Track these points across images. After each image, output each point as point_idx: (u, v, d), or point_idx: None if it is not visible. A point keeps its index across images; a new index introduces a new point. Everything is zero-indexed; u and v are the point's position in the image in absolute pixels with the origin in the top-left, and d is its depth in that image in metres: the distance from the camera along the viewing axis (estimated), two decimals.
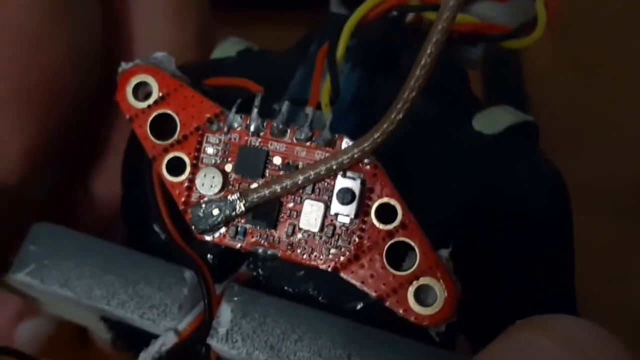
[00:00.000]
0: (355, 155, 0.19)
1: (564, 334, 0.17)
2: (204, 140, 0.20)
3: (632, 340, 0.34)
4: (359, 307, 0.20)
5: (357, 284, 0.19)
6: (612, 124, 0.38)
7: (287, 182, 0.19)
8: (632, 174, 0.37)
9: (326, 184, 0.19)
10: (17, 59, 0.21)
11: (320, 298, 0.20)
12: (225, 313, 0.19)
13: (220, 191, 0.20)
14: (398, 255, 0.19)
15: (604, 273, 0.34)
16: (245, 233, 0.20)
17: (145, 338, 0.21)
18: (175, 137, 0.20)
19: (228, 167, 0.20)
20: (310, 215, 0.19)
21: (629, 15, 0.41)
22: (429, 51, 0.18)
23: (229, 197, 0.19)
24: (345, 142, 0.19)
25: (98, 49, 0.23)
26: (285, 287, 0.20)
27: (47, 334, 0.25)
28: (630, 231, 0.36)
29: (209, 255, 0.20)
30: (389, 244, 0.19)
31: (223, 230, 0.20)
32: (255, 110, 0.20)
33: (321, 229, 0.19)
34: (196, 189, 0.20)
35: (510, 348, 0.17)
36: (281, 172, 0.19)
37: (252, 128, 0.20)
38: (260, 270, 0.20)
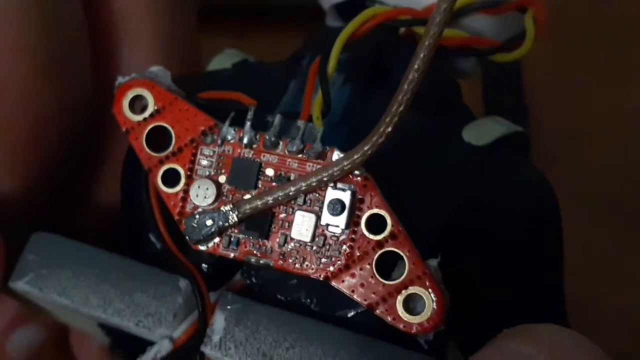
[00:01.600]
0: (346, 167, 0.19)
1: (549, 342, 0.18)
2: (198, 152, 0.20)
3: (630, 346, 0.35)
4: (350, 315, 0.20)
5: (348, 292, 0.19)
6: (612, 132, 0.38)
7: (279, 194, 0.19)
8: (633, 180, 0.37)
9: (317, 195, 0.20)
10: (3, 112, 0.22)
11: (312, 306, 0.20)
12: (218, 321, 0.20)
13: (213, 202, 0.20)
14: (388, 265, 0.19)
15: (603, 278, 0.35)
16: (238, 243, 0.20)
17: (142, 344, 0.21)
18: (171, 149, 0.21)
19: (222, 179, 0.20)
20: (302, 225, 0.20)
21: (627, 23, 0.41)
22: (416, 66, 0.18)
23: (222, 208, 0.20)
24: (336, 154, 0.20)
25: (87, 93, 0.24)
26: (278, 296, 0.21)
27: (40, 343, 0.25)
28: (630, 237, 0.36)
29: (203, 265, 0.21)
30: (378, 253, 0.19)
31: (217, 240, 0.20)
32: (248, 123, 0.20)
33: (312, 239, 0.20)
34: (190, 200, 0.20)
35: (496, 357, 0.18)
36: (273, 184, 0.20)
37: (245, 140, 0.20)
38: (253, 279, 0.21)
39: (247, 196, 0.20)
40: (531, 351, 0.17)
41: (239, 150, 0.20)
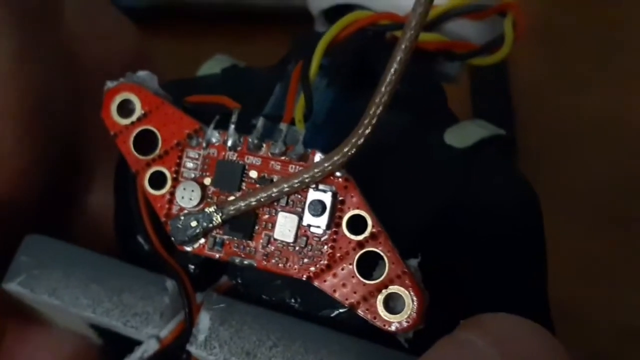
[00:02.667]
0: (327, 169, 0.19)
1: (498, 332, 0.18)
2: (184, 155, 0.21)
3: (615, 346, 0.35)
4: (332, 314, 0.21)
5: (330, 292, 0.20)
6: (600, 134, 0.39)
7: (262, 195, 0.20)
8: (619, 182, 0.38)
9: (299, 196, 0.20)
10: None
11: (296, 306, 0.21)
12: (204, 321, 0.20)
13: (198, 204, 0.20)
14: (368, 265, 0.20)
15: (587, 279, 0.35)
16: (223, 244, 0.20)
17: (133, 345, 0.21)
18: (157, 152, 0.21)
19: (207, 181, 0.21)
20: (284, 226, 0.20)
21: (617, 27, 0.42)
22: (392, 69, 0.18)
23: (206, 209, 0.20)
24: (318, 157, 0.20)
25: (70, 140, 0.24)
26: (263, 296, 0.21)
27: None
28: (615, 238, 0.37)
29: (190, 266, 0.21)
30: (359, 253, 0.19)
31: (202, 241, 0.20)
32: (232, 127, 0.20)
33: (295, 240, 0.20)
34: (176, 201, 0.21)
35: (448, 347, 0.18)
36: (257, 185, 0.20)
37: (229, 143, 0.20)
38: (239, 279, 0.21)
39: (231, 198, 0.20)
40: (474, 338, 0.18)
41: (223, 153, 0.21)
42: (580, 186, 0.37)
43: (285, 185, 0.20)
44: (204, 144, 0.21)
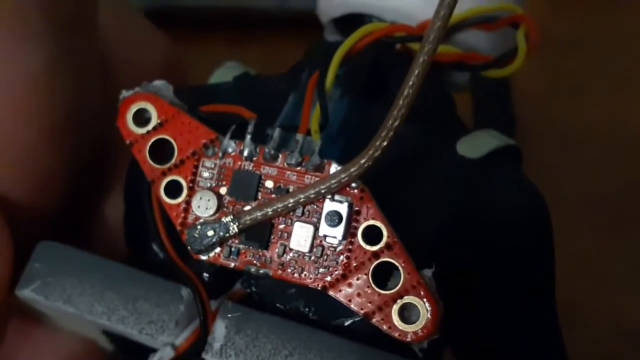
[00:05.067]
0: (343, 180, 0.20)
1: None
2: (200, 165, 0.21)
3: (616, 347, 0.35)
4: (347, 323, 0.21)
5: (345, 301, 0.20)
6: (599, 141, 0.39)
7: (278, 205, 0.20)
8: (618, 185, 0.38)
9: (315, 206, 0.20)
10: (3, 169, 0.22)
11: (310, 315, 0.21)
12: (219, 329, 0.20)
13: (215, 213, 0.21)
14: (383, 275, 0.20)
15: (589, 281, 0.35)
16: (238, 253, 0.21)
17: (145, 351, 0.22)
18: (173, 161, 0.21)
19: (223, 190, 0.21)
20: (300, 236, 0.20)
21: (617, 33, 0.42)
22: (411, 82, 0.19)
23: (223, 219, 0.20)
24: (334, 167, 0.20)
25: (96, 143, 0.24)
26: (277, 304, 0.21)
27: None
28: (615, 240, 0.37)
29: (204, 274, 0.21)
30: (374, 264, 0.20)
31: (218, 250, 0.21)
32: (248, 137, 0.21)
33: (310, 250, 0.20)
34: (192, 211, 0.21)
35: None
36: (273, 195, 0.20)
37: (245, 153, 0.21)
38: (253, 287, 0.21)
39: (247, 207, 0.20)
40: None
41: (239, 163, 0.21)
42: (581, 191, 0.38)
43: (302, 196, 0.20)
44: (220, 154, 0.21)
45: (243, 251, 0.21)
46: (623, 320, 0.36)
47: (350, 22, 0.25)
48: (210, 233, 0.20)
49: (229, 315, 0.20)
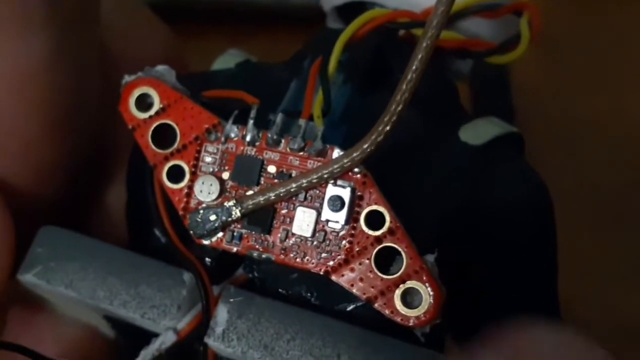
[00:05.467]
0: (346, 165, 0.20)
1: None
2: (203, 150, 0.21)
3: (615, 344, 0.35)
4: (349, 308, 0.21)
5: (347, 286, 0.20)
6: (598, 133, 0.39)
7: (281, 190, 0.20)
8: (618, 181, 0.38)
9: (318, 191, 0.20)
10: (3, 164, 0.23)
11: (312, 299, 0.21)
12: (221, 313, 0.20)
13: (217, 198, 0.21)
14: (386, 260, 0.20)
15: (588, 278, 0.35)
16: (241, 238, 0.21)
17: (146, 336, 0.22)
18: (175, 146, 0.21)
19: (225, 175, 0.21)
20: (303, 221, 0.20)
21: (615, 28, 0.42)
22: (414, 67, 0.19)
23: (225, 203, 0.20)
24: (336, 152, 0.20)
25: (96, 136, 0.24)
26: (280, 289, 0.21)
27: None
28: (614, 236, 0.37)
29: (207, 259, 0.21)
30: (377, 249, 0.20)
31: (220, 234, 0.21)
32: (250, 122, 0.21)
33: (313, 235, 0.20)
34: (195, 195, 0.21)
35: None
36: (275, 180, 0.20)
37: (248, 138, 0.21)
38: (255, 272, 0.21)
39: (250, 192, 0.21)
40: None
41: (242, 148, 0.21)
42: (581, 187, 0.38)
43: (304, 181, 0.20)
44: (222, 139, 0.21)
45: (245, 236, 0.21)
46: (623, 320, 0.36)
47: (352, 9, 0.25)
48: (213, 218, 0.20)
49: (231, 300, 0.20)
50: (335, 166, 0.20)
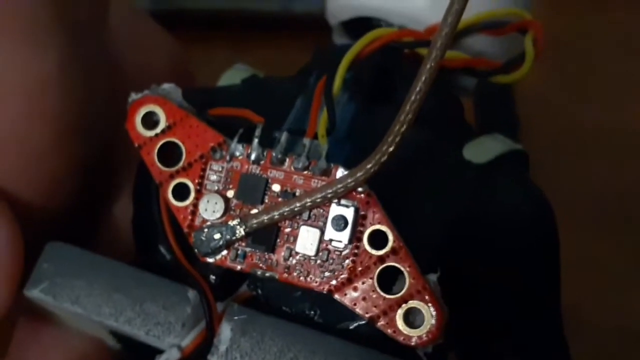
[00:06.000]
0: (349, 185, 0.20)
1: None
2: (208, 168, 0.21)
3: (615, 346, 0.35)
4: (352, 327, 0.21)
5: (350, 305, 0.20)
6: (601, 142, 0.39)
7: (285, 209, 0.20)
8: (617, 188, 0.38)
9: (321, 210, 0.20)
10: (12, 172, 0.23)
11: (315, 318, 0.21)
12: (225, 331, 0.21)
13: (222, 216, 0.21)
14: (389, 279, 0.20)
15: (588, 281, 0.35)
16: (245, 256, 0.21)
17: (151, 350, 0.22)
18: (181, 164, 0.21)
19: (230, 194, 0.21)
20: (306, 240, 0.20)
21: (615, 38, 0.42)
22: (418, 88, 0.19)
23: (229, 222, 0.20)
24: (341, 172, 0.20)
25: (107, 145, 0.25)
26: (283, 307, 0.21)
27: None
28: (615, 241, 0.37)
29: (211, 276, 0.21)
30: (380, 268, 0.20)
31: (224, 252, 0.21)
32: (255, 140, 0.21)
33: (316, 253, 0.20)
34: (199, 213, 0.21)
35: None
36: (279, 199, 0.21)
37: (252, 157, 0.21)
38: (259, 290, 0.22)
39: (254, 211, 0.21)
40: None
41: (246, 166, 0.21)
42: (583, 192, 0.38)
43: (308, 200, 0.20)
44: (227, 157, 0.21)
45: (249, 254, 0.21)
46: (625, 320, 0.36)
47: (359, 24, 0.25)
48: (217, 236, 0.21)
49: (235, 318, 0.21)
50: (339, 186, 0.20)
